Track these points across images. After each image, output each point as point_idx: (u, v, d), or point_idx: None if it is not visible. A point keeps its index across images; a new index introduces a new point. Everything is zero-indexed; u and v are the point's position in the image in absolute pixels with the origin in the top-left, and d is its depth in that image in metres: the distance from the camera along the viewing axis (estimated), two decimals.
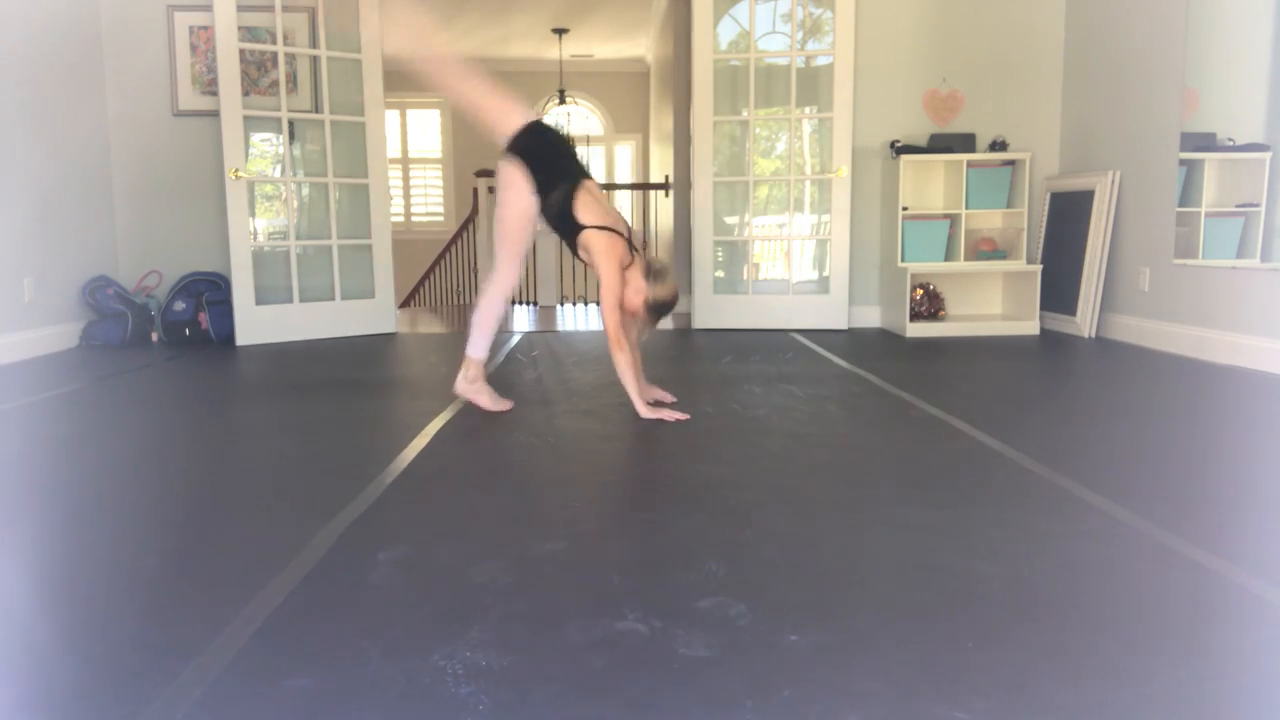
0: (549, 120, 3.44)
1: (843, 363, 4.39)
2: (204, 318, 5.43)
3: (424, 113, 11.94)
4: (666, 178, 7.86)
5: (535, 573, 1.79)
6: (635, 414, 3.24)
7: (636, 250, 3.22)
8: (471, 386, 3.41)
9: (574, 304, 8.41)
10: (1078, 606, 1.62)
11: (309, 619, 1.59)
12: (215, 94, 5.38)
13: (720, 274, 5.97)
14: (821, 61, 5.70)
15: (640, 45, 10.87)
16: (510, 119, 3.23)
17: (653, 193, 9.15)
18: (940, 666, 1.40)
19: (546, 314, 7.26)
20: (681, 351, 4.91)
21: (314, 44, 5.45)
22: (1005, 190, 5.61)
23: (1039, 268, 5.40)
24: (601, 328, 5.65)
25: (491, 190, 8.66)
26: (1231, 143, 4.39)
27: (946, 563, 1.82)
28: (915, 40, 5.71)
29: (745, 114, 5.80)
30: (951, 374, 4.08)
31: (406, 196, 11.91)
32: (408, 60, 3.47)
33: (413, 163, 11.97)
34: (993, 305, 5.88)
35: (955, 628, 1.53)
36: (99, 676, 1.40)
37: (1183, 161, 4.60)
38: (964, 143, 5.55)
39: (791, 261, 5.87)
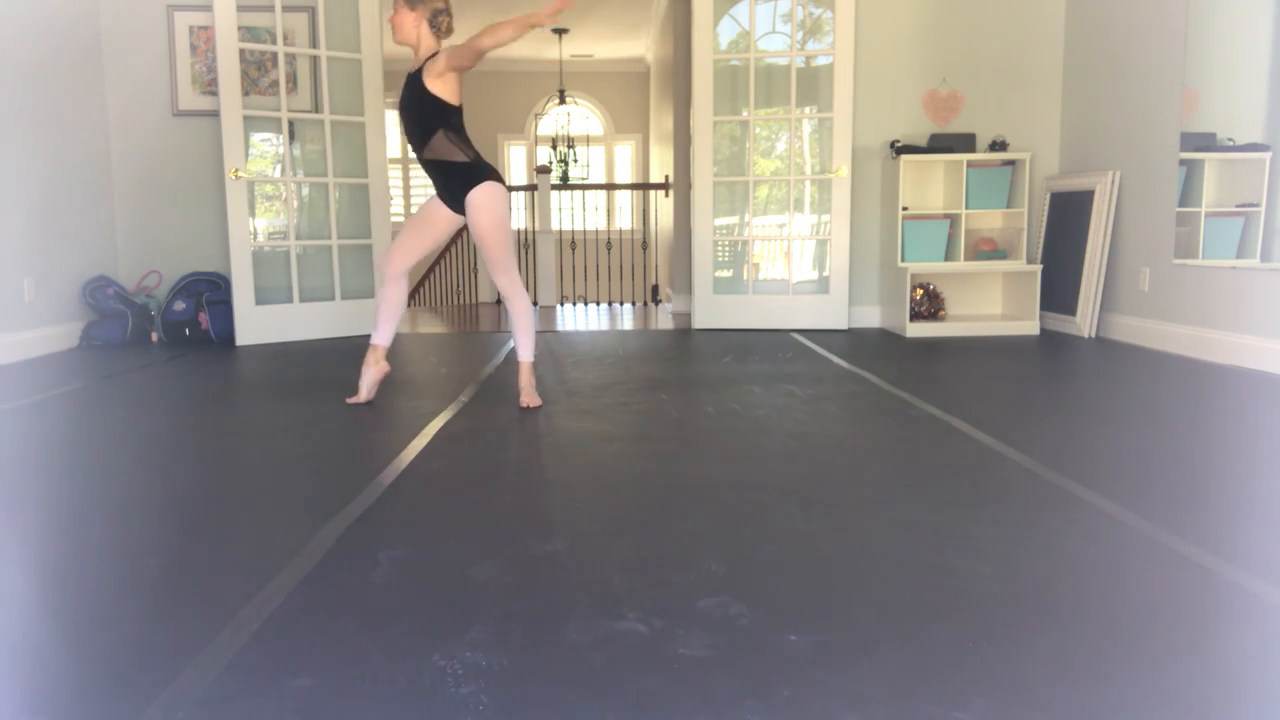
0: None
1: (842, 363, 4.39)
2: (204, 318, 5.43)
3: None
4: (666, 178, 7.86)
5: (535, 573, 1.79)
6: (635, 414, 3.24)
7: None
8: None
9: (574, 304, 8.41)
10: (1078, 606, 1.62)
11: (309, 619, 1.59)
12: (215, 94, 5.37)
13: (720, 274, 5.97)
14: (821, 61, 5.70)
15: (640, 45, 10.87)
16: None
17: (653, 193, 9.15)
18: (940, 666, 1.40)
19: (546, 314, 7.26)
20: (681, 351, 4.91)
21: (314, 44, 5.45)
22: (1005, 190, 5.61)
23: (1039, 268, 5.40)
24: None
25: None
26: (1231, 143, 4.39)
27: (946, 563, 1.82)
28: (915, 40, 5.71)
29: (745, 114, 5.80)
30: (951, 374, 4.08)
31: (406, 196, 11.92)
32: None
33: (413, 163, 11.97)
34: (993, 305, 5.88)
35: (955, 628, 1.53)
36: (99, 676, 1.40)
37: (1183, 161, 4.60)
38: (964, 143, 5.55)
39: (791, 261, 5.87)
